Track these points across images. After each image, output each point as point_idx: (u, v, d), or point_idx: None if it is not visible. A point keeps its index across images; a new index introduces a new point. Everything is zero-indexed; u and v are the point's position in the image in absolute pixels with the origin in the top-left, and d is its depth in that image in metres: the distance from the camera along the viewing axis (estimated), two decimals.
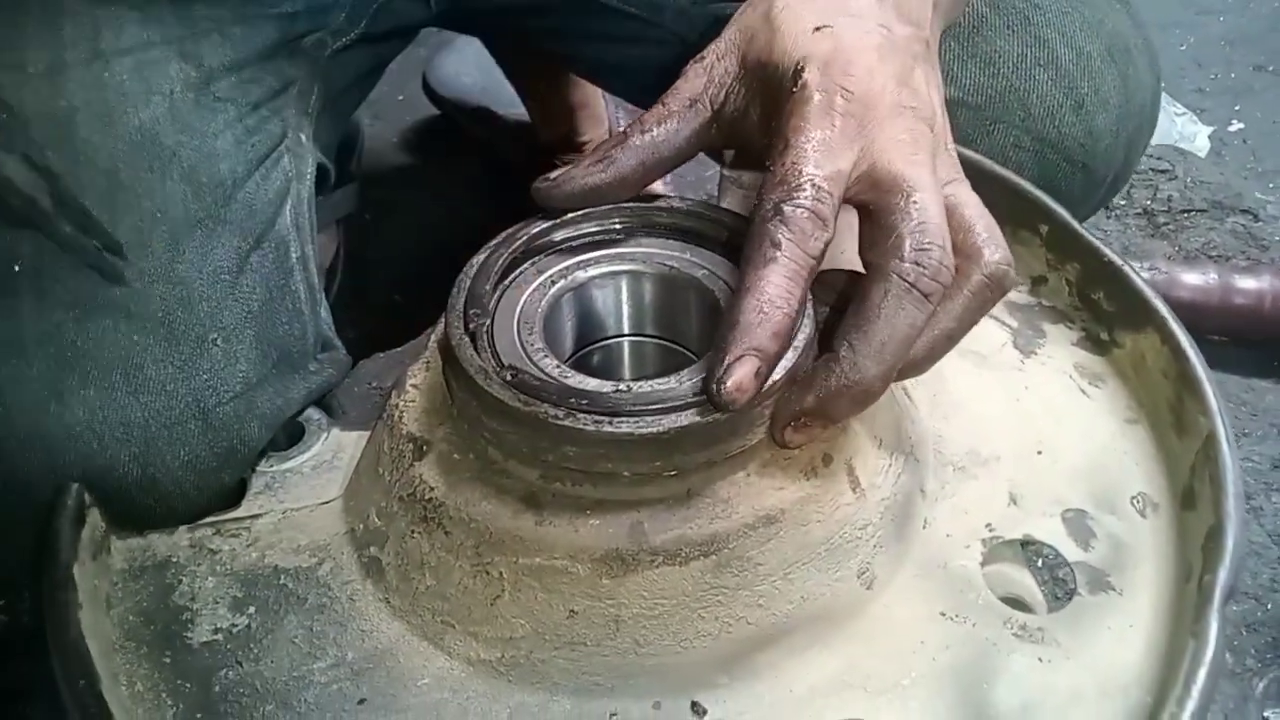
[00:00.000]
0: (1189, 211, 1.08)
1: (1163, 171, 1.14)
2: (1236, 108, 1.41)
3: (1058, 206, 0.62)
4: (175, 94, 0.60)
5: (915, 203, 0.46)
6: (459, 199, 1.27)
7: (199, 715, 0.46)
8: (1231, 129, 1.37)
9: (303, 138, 0.67)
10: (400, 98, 1.39)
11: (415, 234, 1.23)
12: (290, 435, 0.59)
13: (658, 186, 1.29)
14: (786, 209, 0.45)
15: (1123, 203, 1.12)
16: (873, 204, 0.47)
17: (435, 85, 1.32)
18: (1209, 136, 1.35)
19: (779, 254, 0.45)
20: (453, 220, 1.24)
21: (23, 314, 0.54)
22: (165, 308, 0.56)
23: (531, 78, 1.21)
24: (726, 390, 0.43)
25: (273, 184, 0.63)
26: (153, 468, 0.54)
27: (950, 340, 0.47)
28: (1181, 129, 1.34)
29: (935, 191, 0.47)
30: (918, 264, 0.45)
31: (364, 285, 1.13)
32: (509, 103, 1.27)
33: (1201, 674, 0.42)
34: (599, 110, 1.24)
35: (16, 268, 0.54)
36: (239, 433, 0.56)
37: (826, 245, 0.46)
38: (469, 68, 1.32)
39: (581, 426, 0.45)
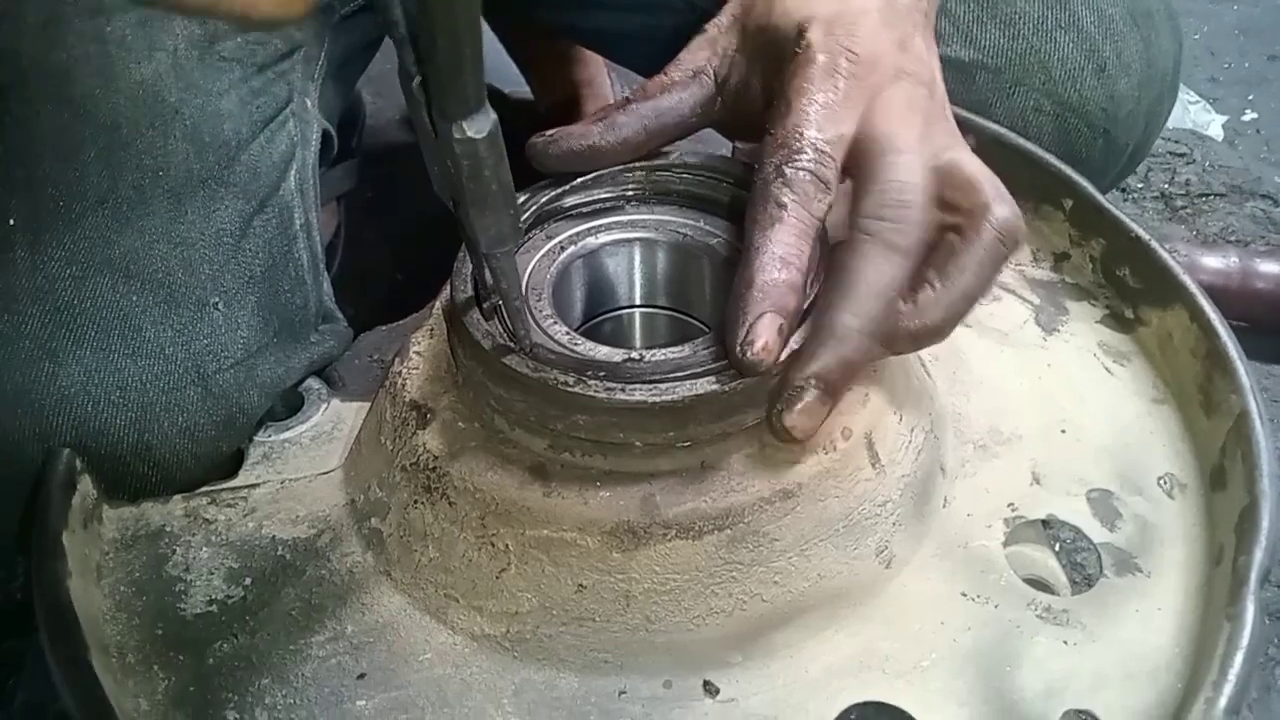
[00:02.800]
0: (1207, 195, 1.07)
1: (1180, 155, 1.12)
2: (1250, 97, 1.40)
3: (1082, 180, 0.60)
4: (179, 50, 0.58)
5: (893, 162, 0.46)
6: None
7: (192, 688, 0.45)
8: (1245, 118, 1.35)
9: (308, 103, 0.65)
10: None
11: (417, 212, 1.20)
12: (289, 405, 0.57)
13: None
14: (788, 171, 0.45)
15: (1140, 185, 1.10)
16: (860, 167, 0.47)
17: None
18: (1222, 126, 1.33)
19: (785, 214, 0.45)
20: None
21: (16, 268, 0.52)
22: (166, 268, 0.54)
23: (534, 55, 1.19)
24: (755, 352, 0.42)
25: (277, 147, 0.61)
26: (149, 434, 0.52)
27: (967, 300, 0.46)
28: (1195, 118, 1.32)
29: (918, 154, 0.46)
30: (882, 218, 0.45)
31: (365, 262, 1.11)
32: (513, 81, 1.24)
33: (1238, 659, 0.40)
34: (603, 88, 1.22)
35: (11, 221, 0.52)
36: (238, 400, 0.54)
37: (829, 209, 0.46)
38: None
39: (593, 394, 0.43)
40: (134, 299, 0.53)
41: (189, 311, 0.54)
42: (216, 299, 0.55)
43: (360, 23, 0.73)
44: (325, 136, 0.68)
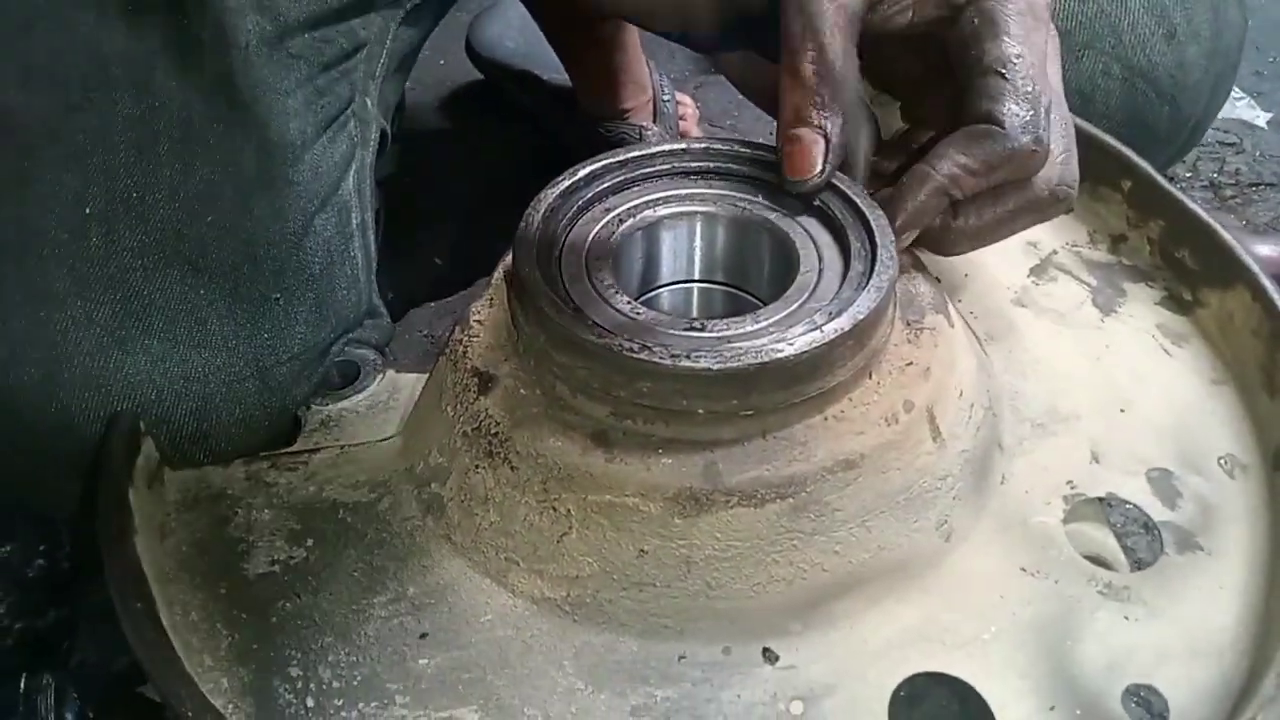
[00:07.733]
0: (1257, 185, 1.05)
1: (1229, 144, 1.11)
2: None
3: (1141, 161, 0.60)
4: (250, 47, 0.58)
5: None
6: (500, 163, 1.25)
7: (255, 645, 0.45)
8: None
9: (369, 103, 0.66)
10: (442, 61, 1.37)
11: (456, 198, 1.21)
12: (345, 375, 0.58)
13: (695, 131, 1.27)
14: None
15: (1188, 174, 1.09)
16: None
17: (478, 48, 1.31)
18: (1267, 122, 1.31)
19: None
20: (493, 185, 1.22)
21: (91, 256, 0.53)
22: (233, 263, 0.55)
23: (573, 43, 1.19)
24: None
25: (339, 148, 0.61)
26: (207, 423, 0.53)
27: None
28: (1240, 114, 1.31)
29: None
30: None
31: (404, 248, 1.12)
32: (552, 67, 1.25)
33: None
34: (641, 76, 1.22)
35: (88, 210, 0.53)
36: (292, 394, 0.56)
37: None
38: (512, 31, 1.30)
39: (658, 360, 0.44)
40: (201, 292, 0.54)
41: (252, 306, 0.55)
42: (278, 295, 0.56)
43: (421, 16, 0.73)
44: (381, 135, 0.68)
